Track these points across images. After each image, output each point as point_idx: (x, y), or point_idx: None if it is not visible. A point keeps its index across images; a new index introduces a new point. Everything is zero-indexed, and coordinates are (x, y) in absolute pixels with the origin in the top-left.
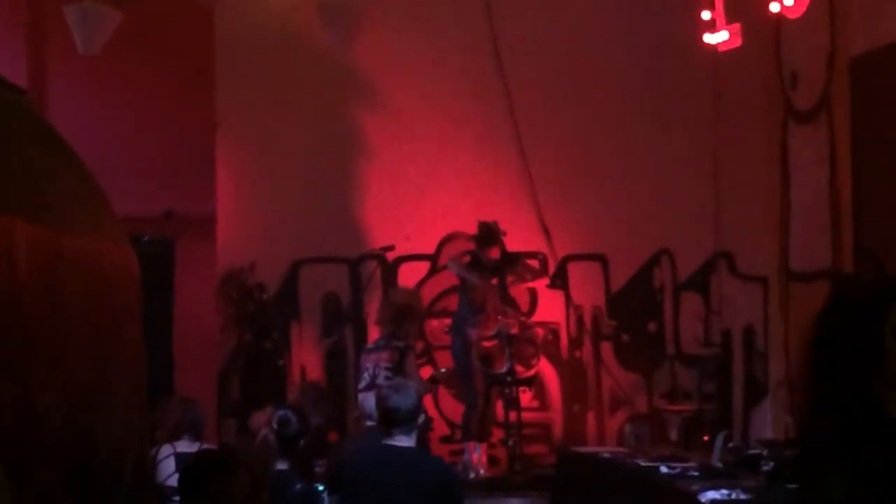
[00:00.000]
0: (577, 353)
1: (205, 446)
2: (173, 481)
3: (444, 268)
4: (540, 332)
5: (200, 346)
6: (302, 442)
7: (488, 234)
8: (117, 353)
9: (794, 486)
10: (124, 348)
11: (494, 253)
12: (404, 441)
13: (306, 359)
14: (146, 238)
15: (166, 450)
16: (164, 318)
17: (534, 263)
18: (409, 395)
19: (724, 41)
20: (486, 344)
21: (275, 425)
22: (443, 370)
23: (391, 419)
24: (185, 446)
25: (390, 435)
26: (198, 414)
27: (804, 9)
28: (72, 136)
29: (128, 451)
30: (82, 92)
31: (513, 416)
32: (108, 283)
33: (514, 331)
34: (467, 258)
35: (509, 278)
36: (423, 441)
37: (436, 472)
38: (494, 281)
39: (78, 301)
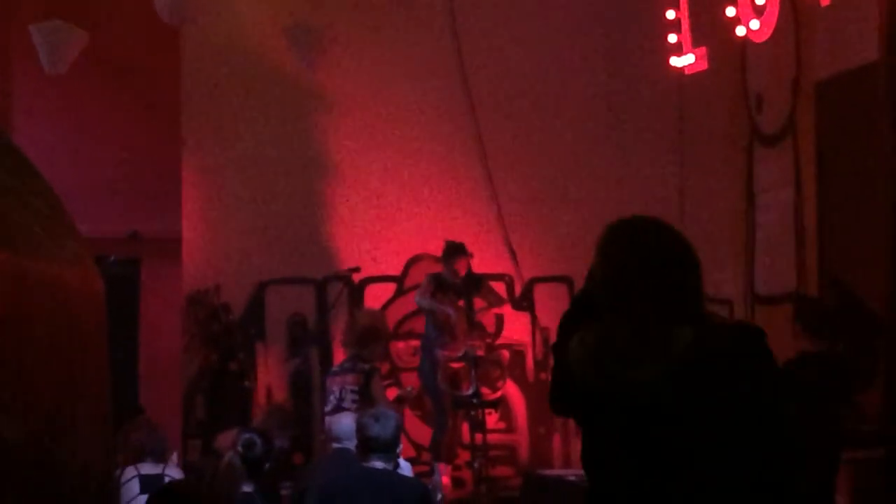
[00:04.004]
0: (543, 375)
1: (168, 467)
2: (138, 503)
3: (411, 290)
4: (506, 354)
5: (166, 367)
6: (267, 465)
7: (455, 247)
8: (82, 377)
9: None
10: (89, 373)
11: (461, 266)
12: (380, 465)
13: (272, 380)
14: (112, 259)
15: (130, 472)
16: (130, 339)
17: (500, 286)
18: (388, 426)
19: (690, 64)
20: (454, 365)
21: (240, 448)
22: (408, 388)
23: (370, 447)
24: (149, 468)
25: (367, 459)
26: (161, 436)
27: (770, 33)
28: (37, 157)
29: (91, 476)
30: (48, 112)
31: (479, 438)
32: (73, 308)
33: (481, 353)
34: (431, 282)
35: (478, 305)
36: None
37: (412, 489)
38: (461, 303)
39: (42, 326)
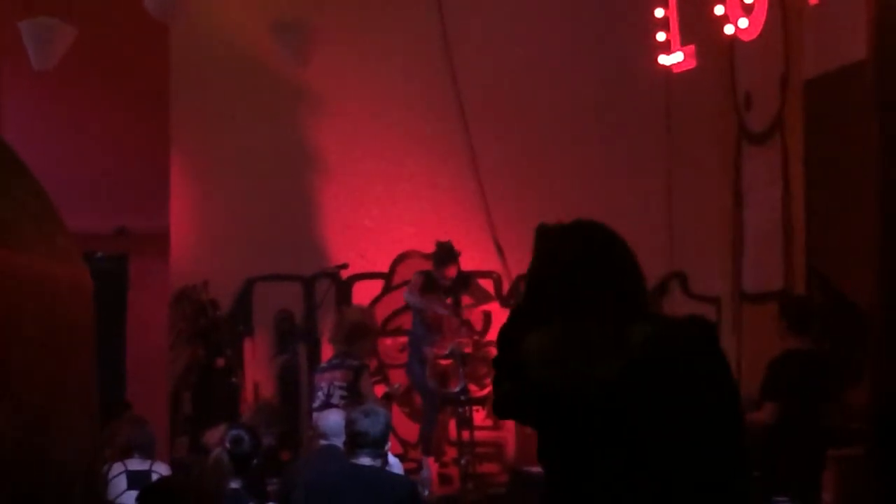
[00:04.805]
0: None
1: (155, 464)
2: (125, 499)
3: (398, 287)
4: (493, 351)
5: (153, 363)
6: (255, 461)
7: (447, 252)
8: (70, 373)
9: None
10: (77, 369)
11: (451, 271)
12: (367, 461)
13: (259, 376)
14: (99, 254)
15: (118, 468)
16: (117, 335)
17: (487, 283)
18: (378, 422)
19: (679, 62)
20: (442, 362)
21: (228, 444)
22: (396, 385)
23: (358, 442)
24: (137, 464)
25: (355, 455)
26: (148, 432)
27: (758, 31)
28: (25, 152)
29: (79, 471)
30: (36, 107)
31: (466, 434)
32: (62, 304)
33: (468, 350)
34: (420, 280)
35: (466, 301)
36: None
37: (399, 486)
38: (449, 300)
39: (31, 322)
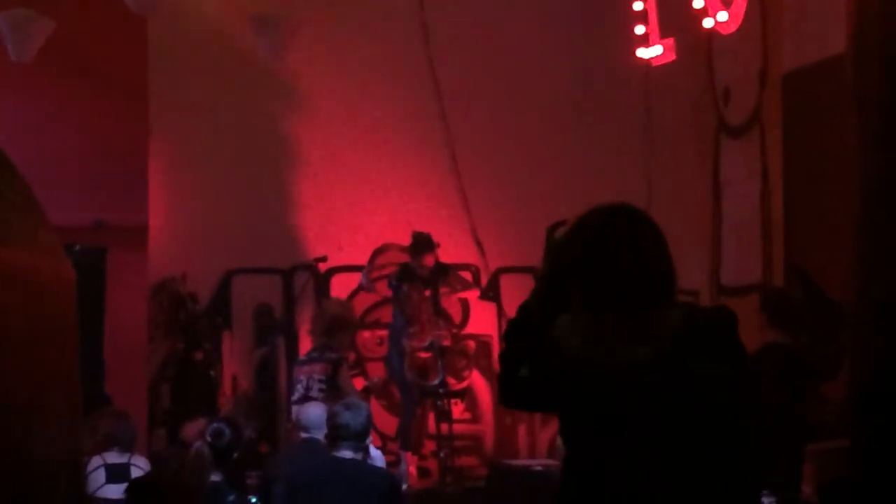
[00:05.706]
0: None
1: (134, 457)
2: (103, 492)
3: (377, 280)
4: (472, 344)
5: (132, 356)
6: (235, 454)
7: (424, 241)
8: (53, 366)
9: None
10: (61, 363)
11: (429, 260)
12: (348, 454)
13: (238, 369)
14: (77, 247)
15: (96, 461)
16: (96, 328)
17: (466, 275)
18: (360, 415)
19: (658, 56)
20: (421, 355)
21: (208, 437)
22: (375, 379)
23: (340, 435)
24: (115, 457)
25: (336, 448)
26: (130, 426)
27: (737, 25)
28: (3, 144)
29: (61, 466)
30: (14, 99)
31: (444, 428)
32: (47, 297)
33: (447, 343)
34: (391, 269)
35: (442, 290)
36: None
37: (380, 479)
38: (427, 292)
39: (14, 315)
